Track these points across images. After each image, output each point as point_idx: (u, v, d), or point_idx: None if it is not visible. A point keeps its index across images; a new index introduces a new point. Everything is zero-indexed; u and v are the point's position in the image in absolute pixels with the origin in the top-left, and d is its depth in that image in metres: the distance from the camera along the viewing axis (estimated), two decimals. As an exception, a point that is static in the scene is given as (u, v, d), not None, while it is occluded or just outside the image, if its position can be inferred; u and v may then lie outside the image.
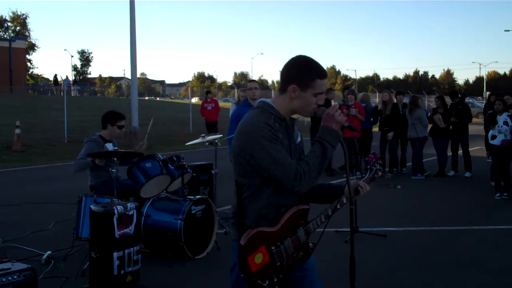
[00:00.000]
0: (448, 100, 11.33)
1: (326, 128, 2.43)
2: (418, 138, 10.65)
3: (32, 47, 62.47)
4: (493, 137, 8.50)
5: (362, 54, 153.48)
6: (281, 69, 2.49)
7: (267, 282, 2.41)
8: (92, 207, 4.57)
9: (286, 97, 2.45)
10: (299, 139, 2.58)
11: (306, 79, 2.40)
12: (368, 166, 2.80)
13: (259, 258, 2.40)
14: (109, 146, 5.69)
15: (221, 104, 20.52)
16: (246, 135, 2.38)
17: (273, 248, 2.42)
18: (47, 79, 69.25)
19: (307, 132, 11.33)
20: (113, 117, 5.72)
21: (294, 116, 2.57)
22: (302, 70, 2.41)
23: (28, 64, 59.86)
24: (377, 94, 38.91)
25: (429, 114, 11.34)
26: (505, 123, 8.35)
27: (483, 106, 40.14)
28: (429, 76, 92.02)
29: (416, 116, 10.59)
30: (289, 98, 2.44)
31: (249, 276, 2.37)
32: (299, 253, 2.52)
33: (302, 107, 2.45)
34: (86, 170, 5.57)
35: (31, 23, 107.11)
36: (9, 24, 63.71)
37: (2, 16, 63.58)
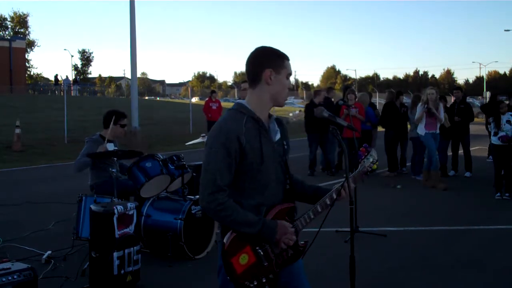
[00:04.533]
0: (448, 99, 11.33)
1: (270, 236, 2.38)
2: (417, 137, 10.63)
3: (31, 44, 62.35)
4: (495, 134, 8.51)
5: (362, 54, 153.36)
6: (246, 65, 2.50)
7: (255, 283, 2.37)
8: (92, 207, 4.57)
9: (261, 86, 2.45)
10: (278, 136, 2.53)
11: (277, 61, 2.44)
12: (360, 160, 2.71)
13: (244, 259, 2.37)
14: (110, 146, 5.69)
15: (221, 103, 20.58)
16: (211, 136, 2.40)
17: (257, 248, 2.39)
18: (47, 79, 69.28)
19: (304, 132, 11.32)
20: (116, 116, 5.73)
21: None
22: (271, 54, 2.46)
23: (27, 64, 59.76)
24: (377, 94, 38.89)
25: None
26: (508, 122, 8.37)
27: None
28: (429, 76, 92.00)
29: (415, 114, 10.59)
30: (265, 86, 2.44)
31: (235, 277, 2.34)
32: (289, 252, 2.47)
33: (278, 92, 2.46)
34: (86, 170, 5.58)
35: (31, 23, 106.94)
36: (9, 23, 63.70)
37: (1, 16, 63.61)
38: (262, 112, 2.47)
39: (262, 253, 2.40)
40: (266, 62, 2.43)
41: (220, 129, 2.37)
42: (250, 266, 2.37)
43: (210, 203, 2.32)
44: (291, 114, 32.56)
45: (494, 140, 8.58)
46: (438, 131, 9.37)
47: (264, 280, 2.40)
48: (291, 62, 2.52)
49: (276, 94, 2.46)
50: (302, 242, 2.53)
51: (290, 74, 2.49)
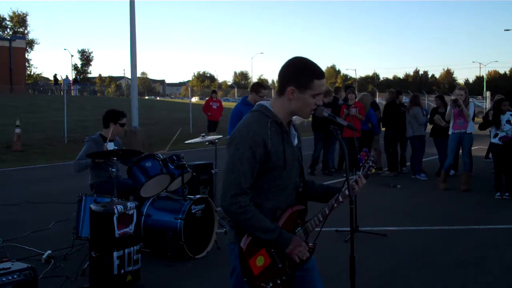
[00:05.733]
0: (448, 99, 11.29)
1: (283, 246, 2.40)
2: (414, 136, 10.68)
3: (30, 43, 62.31)
4: (496, 135, 8.51)
5: (362, 54, 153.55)
6: (279, 70, 2.48)
7: (270, 285, 2.40)
8: (92, 206, 4.57)
9: (284, 99, 2.44)
10: (296, 141, 2.56)
11: (304, 80, 2.39)
12: (361, 164, 2.74)
13: (261, 260, 2.39)
14: (110, 146, 5.70)
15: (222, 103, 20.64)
16: (237, 137, 2.38)
17: (273, 250, 2.42)
18: (47, 79, 69.24)
19: (309, 132, 11.31)
20: (115, 115, 5.76)
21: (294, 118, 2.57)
22: (299, 71, 2.40)
23: (27, 63, 59.68)
24: (377, 93, 38.90)
25: (428, 116, 11.35)
26: (508, 121, 8.37)
27: (483, 106, 39.79)
28: (429, 76, 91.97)
29: (412, 114, 10.64)
30: (287, 100, 2.43)
31: (252, 279, 2.36)
32: None
33: (300, 108, 2.45)
34: (86, 169, 5.59)
35: (31, 23, 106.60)
36: (8, 23, 63.69)
37: (1, 16, 63.60)
38: (284, 118, 2.48)
39: (276, 254, 2.43)
40: (292, 79, 2.40)
41: (248, 131, 2.36)
42: (266, 267, 2.40)
43: (232, 205, 2.32)
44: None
45: (494, 140, 8.58)
46: (468, 131, 9.06)
47: (278, 282, 2.44)
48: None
49: (296, 109, 2.45)
50: (311, 244, 2.57)
51: (317, 94, 2.42)
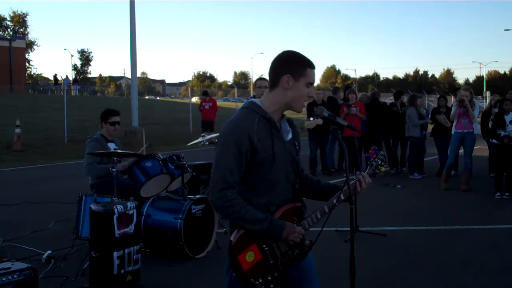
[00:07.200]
0: (449, 99, 11.30)
1: (277, 234, 2.41)
2: (408, 137, 10.73)
3: (30, 44, 62.32)
4: (498, 135, 8.49)
5: (362, 53, 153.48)
6: (269, 66, 2.52)
7: (260, 281, 2.39)
8: (92, 206, 4.57)
9: (278, 90, 2.46)
10: (290, 136, 2.55)
11: (297, 68, 2.43)
12: (369, 162, 2.66)
13: (251, 256, 2.39)
14: (111, 146, 5.70)
15: (221, 103, 20.64)
16: (223, 134, 2.43)
17: (264, 246, 2.42)
18: (47, 79, 69.24)
19: (305, 132, 11.30)
20: (105, 114, 5.77)
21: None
22: (292, 60, 2.46)
23: (27, 64, 59.63)
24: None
25: (429, 116, 11.34)
26: (511, 122, 8.36)
27: (483, 106, 39.79)
28: (429, 76, 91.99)
29: (406, 114, 10.69)
30: (282, 90, 2.45)
31: (241, 275, 2.36)
32: (295, 251, 2.50)
33: (295, 98, 2.45)
34: (84, 168, 5.59)
35: (31, 23, 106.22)
36: (9, 23, 63.68)
37: (1, 15, 63.57)
38: (275, 113, 2.48)
39: (268, 251, 2.42)
40: (286, 68, 2.44)
41: (233, 127, 2.39)
42: (256, 263, 2.40)
43: (219, 199, 2.35)
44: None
45: (494, 140, 8.57)
46: (471, 130, 9.00)
47: (269, 278, 2.42)
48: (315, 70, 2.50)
49: (291, 100, 2.46)
50: (307, 242, 2.55)
51: (310, 83, 2.46)
